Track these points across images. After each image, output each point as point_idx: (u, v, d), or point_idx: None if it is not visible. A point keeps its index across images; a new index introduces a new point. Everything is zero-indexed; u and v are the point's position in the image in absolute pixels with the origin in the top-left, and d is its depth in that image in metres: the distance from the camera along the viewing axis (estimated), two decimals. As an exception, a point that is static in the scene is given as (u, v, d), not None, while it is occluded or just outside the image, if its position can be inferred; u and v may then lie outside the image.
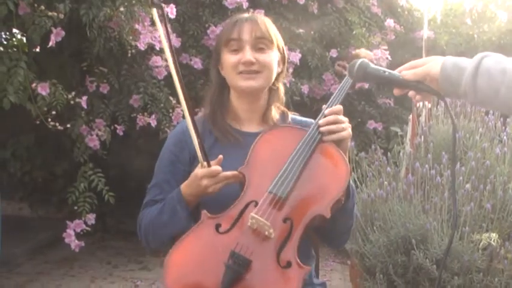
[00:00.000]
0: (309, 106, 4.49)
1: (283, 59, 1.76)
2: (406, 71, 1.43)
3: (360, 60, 1.53)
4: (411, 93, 1.44)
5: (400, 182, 2.82)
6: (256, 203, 1.48)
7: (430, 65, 1.37)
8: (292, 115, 1.82)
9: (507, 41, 5.34)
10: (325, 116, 1.59)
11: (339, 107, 1.61)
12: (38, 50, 3.60)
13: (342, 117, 1.59)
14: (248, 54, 1.64)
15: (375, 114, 4.97)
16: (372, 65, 1.52)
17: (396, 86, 1.47)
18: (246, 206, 1.49)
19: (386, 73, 1.48)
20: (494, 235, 2.48)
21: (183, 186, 1.60)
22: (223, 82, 1.73)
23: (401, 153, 3.24)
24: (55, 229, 5.08)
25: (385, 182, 2.83)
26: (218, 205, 1.51)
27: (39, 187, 5.41)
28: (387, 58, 4.67)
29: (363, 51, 1.67)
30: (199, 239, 1.47)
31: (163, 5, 1.54)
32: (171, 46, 1.50)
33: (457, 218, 2.41)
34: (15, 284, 4.02)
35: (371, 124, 4.85)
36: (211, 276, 1.39)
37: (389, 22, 5.00)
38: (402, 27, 5.18)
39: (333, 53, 4.61)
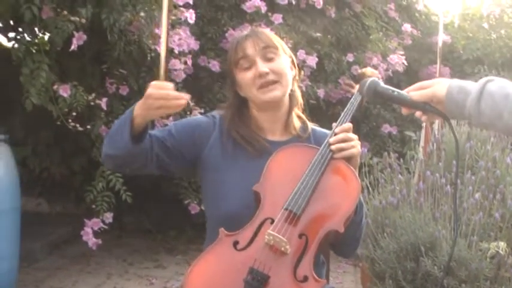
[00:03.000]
0: (324, 110, 4.54)
1: (293, 62, 1.81)
2: (414, 92, 1.48)
3: (370, 79, 1.58)
4: (418, 113, 1.49)
5: (411, 189, 2.86)
6: (272, 220, 1.54)
7: (436, 88, 1.42)
8: (312, 126, 1.86)
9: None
10: (335, 134, 1.65)
11: (349, 125, 1.66)
12: (59, 51, 3.69)
13: (351, 135, 1.65)
14: (261, 67, 1.68)
15: (390, 118, 5.00)
16: (382, 84, 1.57)
17: (404, 106, 1.52)
18: (262, 223, 1.55)
19: (396, 93, 1.53)
20: (502, 244, 2.51)
21: (137, 104, 1.60)
22: (242, 102, 1.77)
23: (414, 159, 3.29)
24: (72, 225, 5.18)
25: (397, 189, 2.88)
26: (235, 223, 1.57)
27: (57, 183, 5.52)
28: (403, 63, 4.71)
29: (368, 70, 1.72)
30: (218, 256, 1.53)
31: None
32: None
33: (458, 225, 2.46)
34: (34, 279, 4.10)
35: (386, 128, 4.89)
36: None
37: (406, 27, 5.03)
38: (419, 31, 5.20)
39: (350, 57, 4.63)
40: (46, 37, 3.39)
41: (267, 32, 1.79)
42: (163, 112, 1.57)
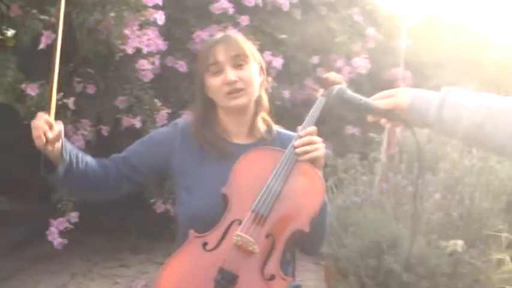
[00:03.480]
0: (289, 110, 4.61)
1: (262, 68, 1.84)
2: (379, 100, 1.55)
3: (338, 87, 1.61)
4: (383, 121, 1.54)
5: (374, 190, 2.95)
6: (240, 221, 1.58)
7: (400, 96, 1.49)
8: (277, 128, 1.90)
9: (482, 52, 5.51)
10: (300, 137, 1.70)
11: (313, 128, 1.72)
12: (25, 49, 3.67)
13: (315, 138, 1.70)
14: (230, 75, 1.72)
15: (353, 119, 5.09)
16: (349, 92, 1.60)
17: (370, 114, 1.59)
18: (230, 224, 1.59)
19: (362, 101, 1.56)
20: (460, 242, 2.62)
21: None
22: (209, 102, 1.81)
23: (377, 161, 3.38)
24: (34, 224, 5.11)
25: (360, 189, 2.98)
26: (204, 224, 1.61)
27: (18, 182, 5.46)
28: (367, 66, 4.81)
29: (332, 75, 1.77)
30: (188, 257, 1.57)
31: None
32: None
33: (417, 224, 2.56)
34: (-6, 280, 4.07)
35: (349, 129, 4.97)
36: None
37: (370, 30, 5.14)
38: (383, 35, 5.31)
39: (315, 59, 4.70)
40: (9, 33, 3.38)
41: (239, 38, 1.82)
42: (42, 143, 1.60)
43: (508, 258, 2.83)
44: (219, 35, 1.85)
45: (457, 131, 1.38)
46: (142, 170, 1.79)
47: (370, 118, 1.59)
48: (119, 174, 1.75)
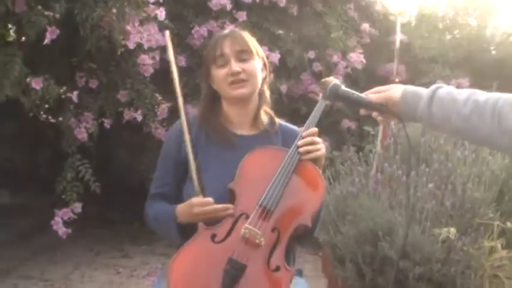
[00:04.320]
0: (286, 105, 4.70)
1: (265, 65, 1.93)
2: (372, 95, 1.65)
3: (332, 83, 1.73)
4: (375, 114, 1.65)
5: (369, 180, 3.05)
6: (247, 215, 1.67)
7: (392, 91, 1.59)
8: (279, 121, 1.99)
9: (476, 48, 5.61)
10: (302, 138, 1.79)
11: (315, 130, 1.81)
12: (29, 44, 3.74)
13: (317, 139, 1.79)
14: (234, 66, 1.81)
15: (349, 113, 5.18)
16: (343, 88, 1.72)
17: (363, 107, 1.68)
18: (238, 218, 1.68)
19: (355, 95, 1.68)
20: (452, 230, 2.70)
21: (178, 208, 1.78)
22: (214, 94, 1.91)
23: (372, 152, 3.48)
24: (36, 216, 5.20)
25: (356, 180, 3.07)
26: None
27: (20, 175, 5.52)
28: (362, 61, 4.91)
29: (331, 79, 1.87)
30: (198, 248, 1.65)
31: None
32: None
33: (411, 215, 2.65)
34: (1, 268, 4.12)
35: (345, 123, 5.07)
36: (212, 281, 1.57)
37: (365, 26, 5.23)
38: (377, 31, 5.40)
39: (311, 54, 4.79)
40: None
41: (245, 35, 1.90)
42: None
43: (499, 246, 2.93)
44: (227, 29, 1.97)
45: (446, 124, 1.47)
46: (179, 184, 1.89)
47: (362, 111, 1.69)
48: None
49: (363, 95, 1.67)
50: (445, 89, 1.50)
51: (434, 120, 1.49)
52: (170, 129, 2.01)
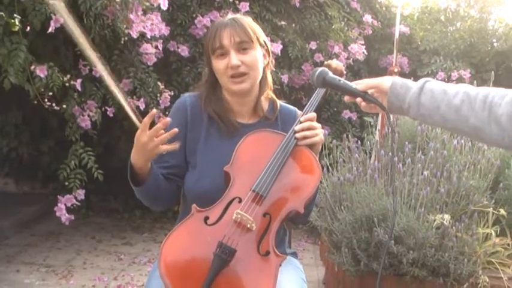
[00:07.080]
0: (288, 95, 4.75)
1: (267, 51, 1.91)
2: (361, 81, 1.69)
3: (320, 69, 1.75)
4: (358, 100, 1.68)
5: (367, 168, 3.10)
6: (240, 199, 1.68)
7: (382, 79, 1.63)
8: (280, 102, 2.00)
9: (477, 40, 5.63)
10: (300, 123, 1.80)
11: (313, 115, 1.82)
12: (34, 32, 3.79)
13: (315, 124, 1.80)
14: (233, 59, 1.80)
15: (350, 104, 5.22)
16: (331, 74, 1.74)
17: (347, 94, 1.72)
18: (231, 201, 1.69)
19: (341, 82, 1.71)
20: (447, 216, 2.75)
21: (132, 153, 1.71)
22: (216, 80, 1.90)
23: (370, 142, 3.53)
24: (40, 204, 5.30)
25: (354, 167, 3.12)
26: (206, 200, 1.71)
27: (24, 163, 5.59)
28: (363, 52, 4.94)
29: (334, 62, 1.89)
30: (190, 230, 1.64)
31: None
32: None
33: (407, 200, 2.69)
34: (5, 255, 4.21)
35: (346, 113, 5.11)
36: (201, 263, 1.56)
37: (367, 17, 5.26)
38: (379, 22, 5.44)
39: (313, 45, 4.83)
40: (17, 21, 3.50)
41: (246, 23, 1.85)
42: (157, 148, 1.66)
43: (493, 233, 2.98)
44: (228, 17, 1.89)
45: (434, 114, 1.51)
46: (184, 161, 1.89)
47: (346, 98, 1.72)
48: (178, 179, 1.88)
49: (350, 82, 1.70)
50: (434, 82, 1.55)
51: (422, 110, 1.53)
52: (182, 101, 1.94)
